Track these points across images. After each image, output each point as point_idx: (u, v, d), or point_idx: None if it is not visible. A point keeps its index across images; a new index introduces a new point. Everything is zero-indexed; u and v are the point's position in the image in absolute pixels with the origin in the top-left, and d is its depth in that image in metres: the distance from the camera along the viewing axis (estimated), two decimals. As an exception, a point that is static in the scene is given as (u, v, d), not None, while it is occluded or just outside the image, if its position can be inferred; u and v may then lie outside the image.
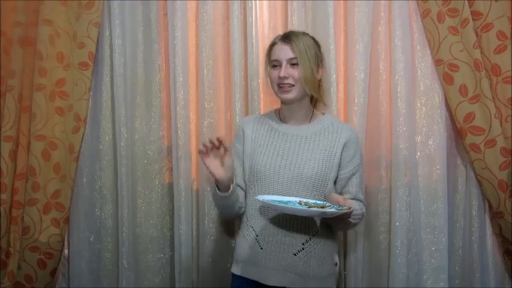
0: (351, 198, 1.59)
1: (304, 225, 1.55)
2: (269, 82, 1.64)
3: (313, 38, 1.64)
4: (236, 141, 1.70)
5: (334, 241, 1.65)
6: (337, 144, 1.59)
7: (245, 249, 1.59)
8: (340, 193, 1.60)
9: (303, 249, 1.54)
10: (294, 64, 1.56)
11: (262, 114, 1.75)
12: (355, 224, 1.61)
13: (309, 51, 1.56)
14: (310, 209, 1.42)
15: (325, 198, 1.54)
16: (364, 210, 1.63)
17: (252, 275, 1.57)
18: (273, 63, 1.59)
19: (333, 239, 1.64)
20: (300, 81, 1.55)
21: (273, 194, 1.54)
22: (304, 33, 1.63)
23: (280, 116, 1.68)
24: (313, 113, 1.67)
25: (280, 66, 1.56)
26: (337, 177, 1.60)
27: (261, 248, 1.55)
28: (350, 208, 1.43)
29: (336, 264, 1.63)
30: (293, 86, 1.56)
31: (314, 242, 1.56)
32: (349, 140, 1.60)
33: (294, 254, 1.53)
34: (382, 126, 1.89)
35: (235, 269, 1.62)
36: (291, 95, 1.57)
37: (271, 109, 1.76)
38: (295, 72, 1.56)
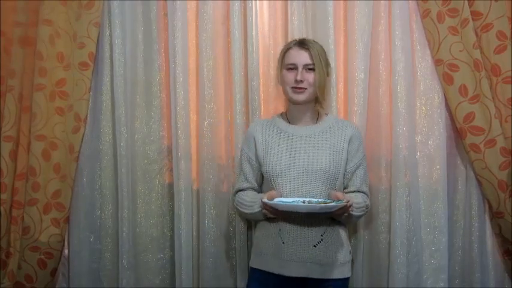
0: (356, 191, 1.70)
1: (321, 217, 1.62)
2: (279, 83, 1.74)
3: (321, 46, 1.74)
4: (246, 148, 1.76)
5: (347, 230, 1.75)
6: (343, 140, 1.69)
7: (267, 243, 1.67)
8: (346, 186, 1.71)
9: (321, 240, 1.63)
10: (309, 69, 1.66)
11: (269, 118, 1.81)
12: (359, 216, 1.69)
13: (322, 59, 1.68)
14: (310, 204, 1.52)
15: (329, 196, 1.63)
16: (368, 202, 1.71)
17: (274, 267, 1.64)
18: (288, 66, 1.69)
19: (346, 227, 1.74)
20: (314, 85, 1.66)
21: (289, 191, 1.64)
22: (315, 41, 1.73)
23: (288, 118, 1.76)
24: (318, 114, 1.76)
25: (296, 69, 1.66)
26: (344, 172, 1.69)
27: (283, 242, 1.63)
28: (348, 202, 1.53)
29: (350, 252, 1.71)
30: (306, 89, 1.66)
31: (331, 231, 1.65)
32: (353, 135, 1.71)
33: (314, 246, 1.62)
34: (382, 126, 1.90)
35: (256, 263, 1.70)
36: (303, 96, 1.67)
37: (277, 113, 1.81)
38: (309, 77, 1.66)
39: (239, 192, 1.75)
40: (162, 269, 2.00)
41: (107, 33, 1.97)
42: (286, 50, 1.71)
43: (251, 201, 1.68)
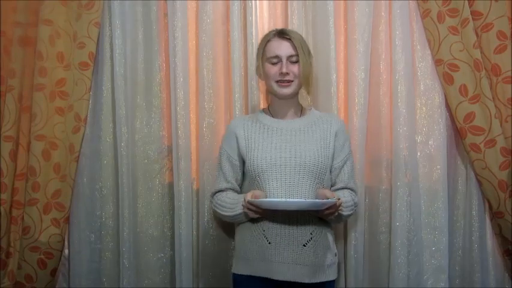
0: (343, 187, 1.65)
1: (308, 215, 1.56)
2: (260, 77, 1.71)
3: (301, 35, 1.68)
4: (226, 145, 1.70)
5: (333, 231, 1.69)
6: (329, 134, 1.64)
7: (251, 245, 1.58)
8: (334, 183, 1.66)
9: (311, 239, 1.55)
10: (292, 61, 1.60)
11: (250, 114, 1.77)
12: (348, 215, 1.64)
13: (305, 48, 1.61)
14: (298, 200, 1.46)
15: (317, 195, 1.57)
16: (356, 199, 1.67)
17: (260, 271, 1.56)
18: (271, 60, 1.62)
19: (332, 229, 1.68)
20: (299, 77, 1.60)
21: (275, 188, 1.56)
22: (295, 31, 1.69)
23: (271, 112, 1.71)
24: (302, 108, 1.71)
25: (279, 62, 1.60)
26: (331, 167, 1.64)
27: (269, 243, 1.55)
28: (339, 199, 1.49)
29: (336, 254, 1.65)
30: (292, 81, 1.61)
31: (319, 231, 1.58)
32: (339, 129, 1.66)
33: (304, 245, 1.54)
34: (383, 126, 1.90)
35: (240, 269, 1.61)
36: (290, 89, 1.62)
37: (258, 109, 1.79)
38: (294, 68, 1.60)
39: (217, 194, 1.68)
40: (163, 268, 2.00)
41: (107, 34, 1.97)
42: (266, 42, 1.64)
43: (232, 203, 1.59)
